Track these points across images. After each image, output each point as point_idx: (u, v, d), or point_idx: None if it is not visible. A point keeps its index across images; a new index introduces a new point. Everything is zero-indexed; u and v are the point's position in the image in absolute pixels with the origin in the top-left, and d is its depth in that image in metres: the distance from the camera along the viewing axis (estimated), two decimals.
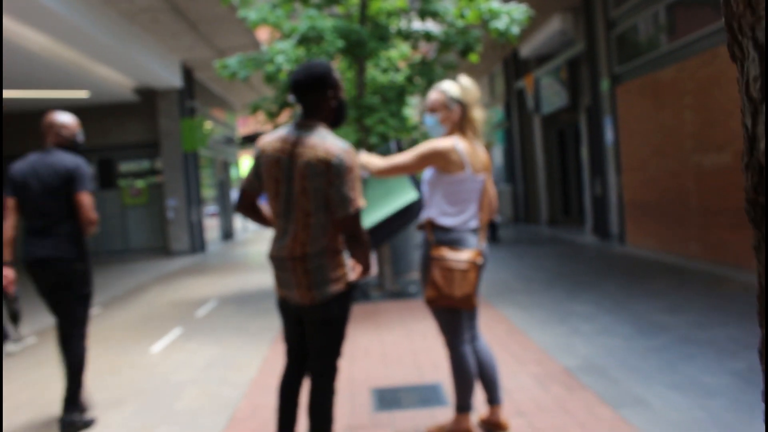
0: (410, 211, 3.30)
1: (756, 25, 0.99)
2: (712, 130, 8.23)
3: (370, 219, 3.23)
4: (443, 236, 3.28)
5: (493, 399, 3.50)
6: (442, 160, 3.25)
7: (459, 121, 3.34)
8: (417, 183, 3.37)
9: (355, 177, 2.67)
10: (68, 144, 4.21)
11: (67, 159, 4.06)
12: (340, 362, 2.93)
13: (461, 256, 3.23)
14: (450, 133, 3.36)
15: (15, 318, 5.85)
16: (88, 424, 4.15)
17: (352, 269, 2.84)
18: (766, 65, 0.98)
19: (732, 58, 1.06)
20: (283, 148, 2.73)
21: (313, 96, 2.76)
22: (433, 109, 3.39)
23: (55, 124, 4.19)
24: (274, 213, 2.83)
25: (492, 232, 13.14)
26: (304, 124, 2.76)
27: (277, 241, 2.82)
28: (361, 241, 2.74)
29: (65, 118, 4.25)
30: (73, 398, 4.08)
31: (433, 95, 3.41)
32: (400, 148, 3.51)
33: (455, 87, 3.36)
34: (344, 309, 2.84)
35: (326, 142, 2.67)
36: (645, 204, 10.44)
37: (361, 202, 2.69)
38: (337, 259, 2.77)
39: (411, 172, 3.32)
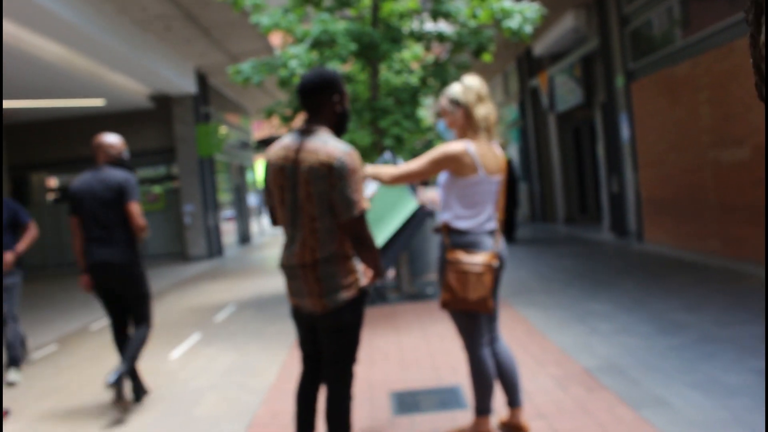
0: (413, 221, 3.32)
1: None
2: (729, 125, 8.14)
3: (380, 237, 3.23)
4: (458, 239, 3.26)
5: (513, 401, 3.48)
6: (454, 164, 3.21)
7: (464, 123, 3.29)
8: (414, 190, 3.38)
9: (358, 179, 2.65)
10: (116, 161, 4.73)
11: (117, 174, 4.59)
12: (355, 368, 2.93)
13: (476, 259, 3.20)
14: (460, 136, 3.32)
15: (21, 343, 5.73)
16: (145, 392, 4.85)
17: (363, 274, 2.83)
18: None
19: (759, 97, 1.06)
20: (286, 156, 2.74)
21: (319, 98, 2.77)
22: (440, 115, 3.41)
23: (103, 145, 4.73)
24: (282, 221, 2.83)
25: (509, 231, 13.06)
26: (307, 130, 2.76)
27: (287, 249, 2.82)
28: (368, 244, 2.72)
29: (112, 139, 4.78)
30: (132, 367, 4.67)
31: (441, 100, 3.40)
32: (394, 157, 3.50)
33: (457, 89, 3.32)
34: (357, 315, 2.82)
35: (328, 145, 2.66)
36: (662, 200, 10.35)
37: (365, 203, 2.67)
38: (347, 266, 2.76)
39: (424, 177, 3.30)
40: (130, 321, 4.76)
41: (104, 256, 4.49)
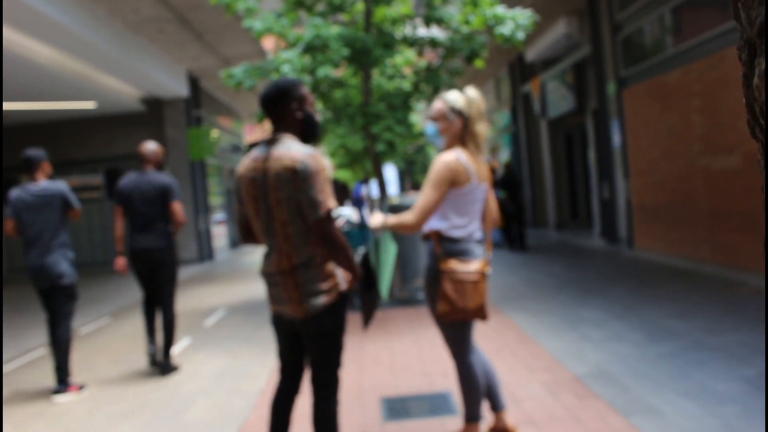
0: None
1: None
2: (720, 133, 8.18)
3: (386, 283, 3.28)
4: (451, 247, 3.24)
5: (496, 405, 3.50)
6: (455, 174, 3.19)
7: (459, 133, 3.29)
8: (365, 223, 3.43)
9: (323, 180, 2.68)
10: (158, 165, 5.81)
11: (161, 177, 5.63)
12: (341, 373, 2.93)
13: (470, 267, 3.20)
14: (449, 143, 3.32)
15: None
16: (175, 368, 5.74)
17: (343, 279, 2.85)
18: None
19: (752, 136, 1.05)
20: (255, 167, 2.78)
21: (278, 108, 2.83)
22: (434, 119, 3.35)
23: (149, 152, 5.77)
24: (258, 232, 2.88)
25: (520, 238, 13.00)
26: (272, 139, 2.82)
27: (266, 258, 2.85)
28: (337, 245, 2.72)
29: (154, 147, 5.83)
30: (168, 348, 5.72)
31: (437, 104, 3.35)
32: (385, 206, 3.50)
33: (460, 98, 3.29)
34: (338, 320, 2.84)
35: (291, 150, 2.71)
36: (653, 207, 10.39)
37: (331, 203, 2.69)
38: (325, 270, 2.77)
39: (440, 202, 3.23)
40: (158, 299, 5.80)
41: (146, 243, 5.54)
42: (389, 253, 3.46)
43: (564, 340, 5.58)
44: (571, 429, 3.62)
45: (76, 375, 5.79)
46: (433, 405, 4.21)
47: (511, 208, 12.91)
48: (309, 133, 2.91)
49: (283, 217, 2.71)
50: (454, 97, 3.31)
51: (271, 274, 2.82)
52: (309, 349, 2.88)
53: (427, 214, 3.20)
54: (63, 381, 5.17)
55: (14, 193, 5.29)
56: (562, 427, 3.65)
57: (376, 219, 3.31)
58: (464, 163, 3.20)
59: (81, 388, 5.30)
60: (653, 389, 4.17)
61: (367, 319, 3.29)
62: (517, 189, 13.11)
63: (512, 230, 13.13)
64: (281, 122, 2.85)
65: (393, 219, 3.27)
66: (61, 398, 5.12)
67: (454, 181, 3.19)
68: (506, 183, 13.07)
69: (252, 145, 24.25)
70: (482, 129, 3.30)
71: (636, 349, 5.12)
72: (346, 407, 4.29)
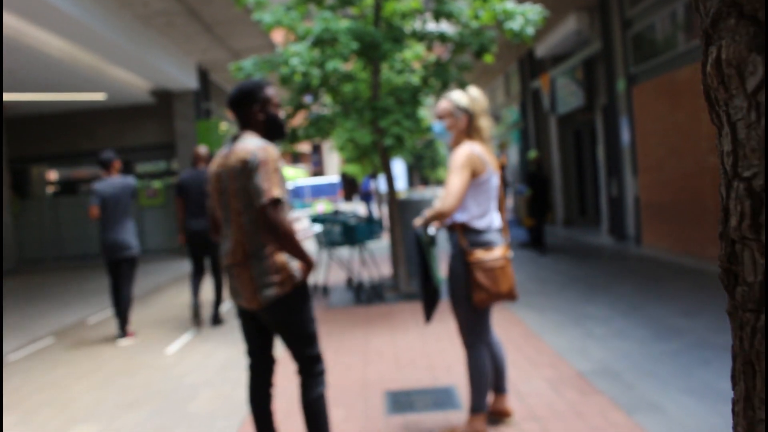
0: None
1: (728, 102, 1.02)
2: None
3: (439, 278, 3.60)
4: (476, 239, 3.42)
5: (500, 388, 3.67)
6: (474, 163, 3.37)
7: (466, 128, 3.50)
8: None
9: (270, 170, 2.78)
10: (208, 163, 6.94)
11: None
12: (321, 358, 3.02)
13: (495, 254, 3.41)
14: (457, 139, 3.53)
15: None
16: (222, 321, 7.26)
17: (298, 270, 2.91)
18: (735, 143, 1.02)
19: (712, 123, 1.10)
20: (221, 163, 2.95)
21: (243, 110, 2.99)
22: (440, 117, 3.56)
23: (201, 153, 7.22)
24: (220, 223, 3.03)
25: (538, 240, 11.85)
26: (236, 137, 2.98)
27: (225, 250, 2.97)
28: (281, 232, 2.76)
29: (205, 150, 7.27)
30: (218, 304, 7.25)
31: (442, 104, 3.57)
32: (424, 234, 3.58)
33: (464, 96, 3.52)
34: (295, 310, 2.91)
35: (247, 144, 2.86)
36: (661, 205, 10.35)
37: (276, 192, 2.75)
38: (277, 262, 2.85)
39: (468, 186, 3.38)
40: (206, 269, 7.32)
41: (199, 226, 6.92)
42: (432, 248, 3.65)
43: (568, 336, 5.59)
44: (573, 425, 3.63)
45: (83, 364, 5.90)
46: (437, 399, 4.22)
47: (538, 209, 11.68)
48: (273, 132, 3.04)
49: (238, 207, 2.85)
50: (458, 96, 3.53)
51: (230, 266, 2.94)
52: (278, 336, 3.00)
53: (459, 197, 3.33)
54: (123, 330, 6.75)
55: (98, 185, 6.59)
56: (565, 423, 3.66)
57: (417, 221, 3.52)
58: (479, 154, 3.40)
59: (134, 335, 6.92)
60: (657, 387, 4.16)
61: (428, 313, 3.56)
62: (545, 187, 11.87)
63: (539, 231, 11.80)
64: (245, 122, 3.00)
65: (428, 212, 3.42)
66: (123, 342, 6.73)
67: (474, 170, 3.37)
68: (535, 180, 11.73)
69: None
70: (486, 123, 3.53)
71: (640, 347, 5.11)
72: (350, 400, 4.31)
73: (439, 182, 47.99)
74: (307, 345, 2.97)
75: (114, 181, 6.63)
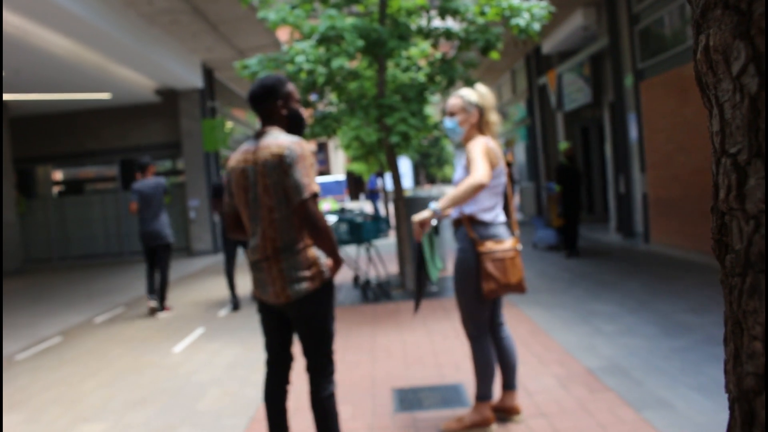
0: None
1: (716, 86, 1.13)
2: None
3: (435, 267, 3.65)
4: (484, 231, 3.48)
5: (509, 384, 3.69)
6: (491, 154, 3.43)
7: (477, 123, 3.57)
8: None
9: (307, 165, 2.79)
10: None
11: None
12: (334, 358, 3.01)
13: (506, 246, 3.47)
14: (469, 133, 3.58)
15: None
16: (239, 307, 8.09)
17: (327, 266, 2.91)
18: (723, 123, 1.12)
19: (705, 106, 1.21)
20: (246, 158, 2.91)
21: (264, 106, 2.97)
22: (452, 113, 3.60)
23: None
24: (245, 220, 2.98)
25: (571, 242, 10.62)
26: (260, 132, 2.94)
27: (252, 246, 2.94)
28: (320, 227, 2.79)
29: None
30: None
31: (452, 100, 3.62)
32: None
33: (473, 93, 3.59)
34: (322, 307, 2.91)
35: (278, 139, 2.85)
36: (670, 201, 10.30)
37: (315, 187, 2.79)
38: (309, 257, 2.86)
39: (490, 174, 3.38)
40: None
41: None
42: (432, 239, 3.66)
43: (577, 333, 5.56)
44: (582, 421, 3.61)
45: (90, 362, 5.92)
46: (445, 396, 4.21)
47: (569, 207, 10.54)
48: (295, 128, 3.03)
49: (270, 203, 2.82)
50: (467, 92, 3.61)
51: (257, 261, 2.91)
52: (297, 333, 2.98)
53: (489, 171, 3.32)
54: (162, 305, 8.10)
55: (136, 185, 7.99)
56: (573, 419, 3.64)
57: (421, 215, 3.40)
58: (492, 147, 3.48)
59: (171, 309, 8.32)
60: (666, 383, 4.13)
61: (416, 301, 3.60)
62: (577, 182, 10.66)
63: (570, 232, 10.58)
64: (269, 118, 2.99)
65: (445, 199, 3.32)
66: (162, 315, 8.05)
67: (491, 162, 3.42)
68: (565, 175, 10.57)
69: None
70: (495, 118, 3.61)
71: (649, 343, 5.08)
72: (358, 398, 4.30)
73: (446, 180, 47.91)
74: (327, 343, 2.97)
75: (149, 182, 8.02)
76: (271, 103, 2.97)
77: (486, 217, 3.47)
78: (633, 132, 11.64)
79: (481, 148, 3.40)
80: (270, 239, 2.84)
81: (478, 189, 3.28)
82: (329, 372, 2.99)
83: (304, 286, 2.83)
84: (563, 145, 10.91)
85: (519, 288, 3.51)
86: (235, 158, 2.98)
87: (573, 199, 10.58)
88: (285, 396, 3.10)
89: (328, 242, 2.84)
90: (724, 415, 3.58)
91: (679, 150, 9.86)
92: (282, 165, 2.77)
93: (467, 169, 3.46)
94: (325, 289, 2.90)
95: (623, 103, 11.92)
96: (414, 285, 3.66)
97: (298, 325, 2.95)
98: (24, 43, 9.47)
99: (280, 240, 2.82)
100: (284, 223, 2.82)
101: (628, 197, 12.10)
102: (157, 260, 8.05)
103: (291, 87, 3.02)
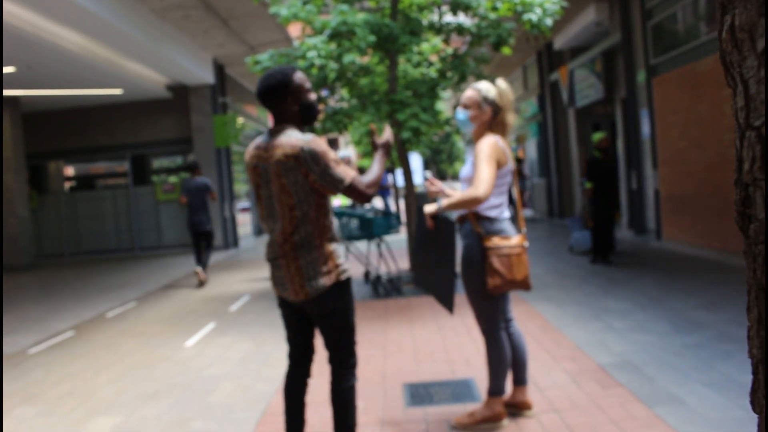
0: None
1: (741, 63, 1.17)
2: None
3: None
4: (490, 227, 3.45)
5: (520, 379, 3.67)
6: (499, 154, 3.40)
7: (489, 121, 3.50)
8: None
9: (330, 158, 2.80)
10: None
11: None
12: (356, 350, 3.03)
13: (513, 242, 3.43)
14: (479, 129, 3.52)
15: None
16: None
17: (346, 262, 2.96)
18: (748, 98, 1.16)
19: (728, 85, 1.24)
20: (258, 155, 2.92)
21: (275, 102, 2.92)
22: (466, 106, 3.53)
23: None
24: (261, 217, 3.01)
25: (603, 248, 9.22)
26: (274, 130, 2.92)
27: (270, 243, 2.98)
28: (371, 195, 2.91)
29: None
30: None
31: (469, 92, 3.53)
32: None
33: (492, 89, 3.49)
34: (342, 301, 2.92)
35: (291, 139, 2.82)
36: (682, 198, 10.24)
37: (351, 172, 2.85)
38: (326, 253, 2.88)
39: (495, 176, 3.38)
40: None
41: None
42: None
43: (588, 329, 5.54)
44: (593, 417, 3.60)
45: (103, 357, 5.96)
46: (456, 391, 4.21)
47: (602, 207, 9.08)
48: (308, 117, 2.99)
49: (290, 202, 2.82)
50: (487, 87, 3.50)
51: (275, 258, 2.93)
52: (319, 328, 3.00)
53: (491, 185, 3.31)
54: (205, 271, 10.07)
55: (185, 182, 10.14)
56: (585, 415, 3.64)
57: (428, 208, 3.48)
58: (502, 146, 3.44)
59: (206, 281, 10.17)
60: (678, 380, 4.11)
61: (448, 300, 3.53)
62: (612, 179, 9.23)
63: (601, 236, 9.19)
64: (280, 114, 2.94)
65: (447, 201, 3.37)
66: (201, 273, 9.96)
67: (498, 162, 3.39)
68: (597, 170, 9.09)
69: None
70: (512, 119, 3.53)
71: (661, 340, 5.06)
72: (369, 393, 4.31)
73: (456, 177, 47.82)
74: (348, 336, 2.99)
75: (197, 180, 10.03)
76: (281, 100, 2.91)
77: (491, 213, 3.46)
78: (645, 128, 11.57)
79: (489, 150, 3.36)
80: (288, 236, 2.85)
81: (475, 203, 3.30)
82: (351, 364, 3.01)
83: (322, 282, 2.84)
84: (597, 135, 9.38)
85: (524, 285, 3.47)
86: (249, 153, 2.98)
87: (607, 198, 9.12)
88: (305, 389, 3.12)
89: (377, 184, 2.95)
90: (736, 412, 3.59)
91: (692, 146, 9.79)
92: (301, 165, 2.76)
93: (474, 167, 3.43)
94: (343, 283, 2.91)
95: (635, 100, 11.86)
96: (440, 286, 3.56)
97: (318, 320, 2.96)
98: (36, 38, 9.52)
99: (298, 236, 2.84)
100: (303, 220, 2.83)
101: (640, 194, 12.04)
102: (201, 242, 10.10)
103: (299, 77, 2.92)
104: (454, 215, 3.63)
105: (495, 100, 3.47)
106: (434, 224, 3.52)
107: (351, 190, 2.83)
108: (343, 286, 2.91)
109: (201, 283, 9.94)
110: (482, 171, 3.31)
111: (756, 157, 1.15)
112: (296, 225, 2.83)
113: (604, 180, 9.08)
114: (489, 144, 3.38)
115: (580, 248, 10.42)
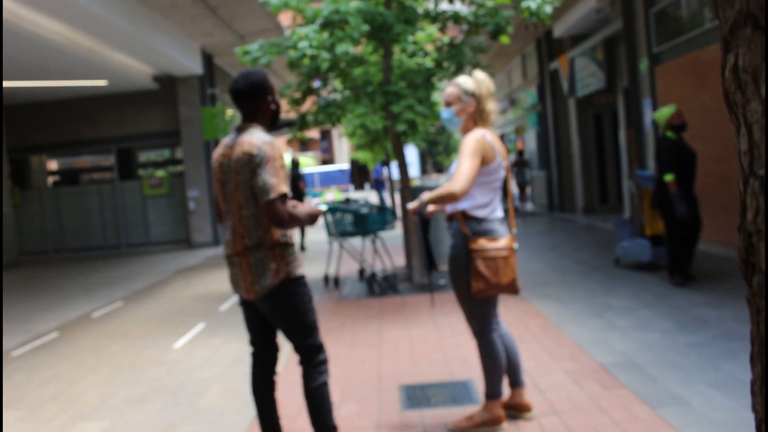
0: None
1: (745, 105, 1.14)
2: None
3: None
4: (477, 227, 3.38)
5: (516, 382, 3.61)
6: (485, 150, 3.34)
7: (474, 112, 3.48)
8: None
9: (277, 166, 2.85)
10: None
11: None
12: (321, 346, 3.07)
13: (500, 244, 3.36)
14: (466, 124, 3.50)
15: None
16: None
17: (298, 260, 3.01)
18: (751, 143, 1.13)
19: (732, 122, 1.20)
20: (224, 153, 3.00)
21: (253, 102, 3.01)
22: (448, 103, 3.54)
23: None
24: (220, 214, 3.12)
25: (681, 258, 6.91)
26: (241, 128, 3.01)
27: (225, 240, 3.05)
28: (287, 223, 2.85)
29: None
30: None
31: (448, 89, 3.56)
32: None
33: (469, 81, 3.51)
34: (292, 300, 2.96)
35: (253, 137, 2.91)
36: None
37: (284, 188, 2.85)
38: (276, 252, 2.93)
39: (477, 172, 3.33)
40: None
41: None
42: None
43: (590, 328, 5.42)
44: (595, 419, 3.52)
45: (88, 358, 5.84)
46: (454, 393, 4.13)
47: (682, 210, 6.60)
48: (276, 121, 3.12)
49: (239, 200, 2.92)
50: (464, 80, 3.52)
51: (230, 256, 3.01)
52: (276, 326, 3.09)
53: (470, 180, 3.26)
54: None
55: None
56: (586, 417, 3.56)
57: (411, 204, 3.49)
58: (490, 141, 3.38)
59: None
60: (682, 379, 4.03)
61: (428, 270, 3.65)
62: (691, 167, 6.86)
63: (683, 245, 6.90)
64: (254, 115, 3.03)
65: (428, 196, 3.36)
66: None
67: (484, 158, 3.34)
68: (676, 155, 6.74)
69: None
70: (493, 107, 3.51)
71: (664, 338, 4.95)
72: (364, 395, 4.21)
73: None
74: (306, 334, 3.02)
75: None
76: (261, 100, 3.01)
77: (480, 213, 3.39)
78: (648, 118, 11.43)
79: (473, 145, 3.32)
80: (239, 235, 2.93)
81: (452, 199, 3.27)
82: (318, 362, 3.05)
83: (270, 280, 2.90)
84: (666, 111, 6.96)
85: (511, 289, 3.41)
86: (217, 151, 3.05)
87: (688, 193, 6.85)
88: (272, 386, 3.17)
89: (298, 225, 2.91)
90: (741, 413, 3.45)
91: (696, 137, 9.62)
92: (251, 164, 2.84)
93: (457, 161, 3.39)
94: (294, 281, 2.96)
95: (638, 89, 11.69)
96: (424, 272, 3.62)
97: (271, 318, 3.03)
98: (17, 28, 9.27)
99: (248, 237, 2.91)
100: (252, 221, 2.90)
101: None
102: None
103: (272, 79, 3.06)
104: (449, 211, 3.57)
105: (474, 90, 3.46)
106: (418, 219, 3.61)
107: (271, 205, 2.81)
108: (293, 284, 2.95)
109: None
110: (462, 166, 3.28)
111: (759, 208, 1.13)
112: (245, 226, 2.91)
113: (686, 169, 6.82)
114: (474, 139, 3.34)
115: (629, 260, 8.27)
